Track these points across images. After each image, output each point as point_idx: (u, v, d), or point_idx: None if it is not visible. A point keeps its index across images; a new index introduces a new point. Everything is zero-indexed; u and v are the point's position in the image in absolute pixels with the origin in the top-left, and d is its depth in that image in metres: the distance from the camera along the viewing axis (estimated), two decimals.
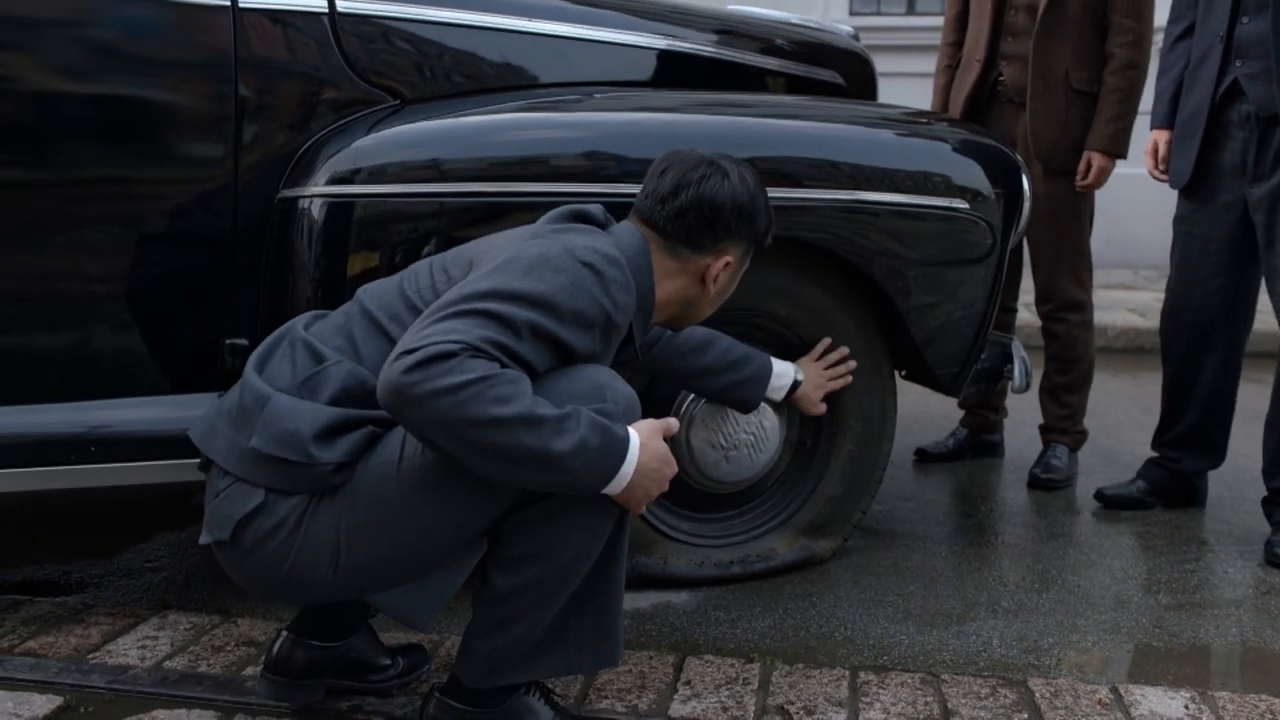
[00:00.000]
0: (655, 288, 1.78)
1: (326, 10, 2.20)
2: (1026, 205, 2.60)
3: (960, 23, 3.41)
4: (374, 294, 1.75)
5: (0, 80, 2.00)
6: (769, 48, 2.88)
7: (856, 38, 3.29)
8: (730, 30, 2.83)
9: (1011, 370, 2.80)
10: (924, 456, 3.49)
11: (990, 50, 3.23)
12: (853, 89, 3.05)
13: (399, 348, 1.48)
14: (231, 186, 2.15)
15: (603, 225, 1.80)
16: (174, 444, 2.05)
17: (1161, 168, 2.98)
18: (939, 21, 7.23)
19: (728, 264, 1.82)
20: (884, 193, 2.38)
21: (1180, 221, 2.95)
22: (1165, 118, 2.96)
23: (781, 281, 2.41)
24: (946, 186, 2.45)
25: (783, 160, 2.33)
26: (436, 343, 1.45)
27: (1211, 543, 2.82)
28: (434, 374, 1.42)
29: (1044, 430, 3.33)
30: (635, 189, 1.86)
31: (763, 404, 2.39)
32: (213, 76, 2.11)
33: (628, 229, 1.79)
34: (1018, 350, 2.80)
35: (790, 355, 2.45)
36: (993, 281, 2.56)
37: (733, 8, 3.09)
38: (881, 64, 7.25)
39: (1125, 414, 4.11)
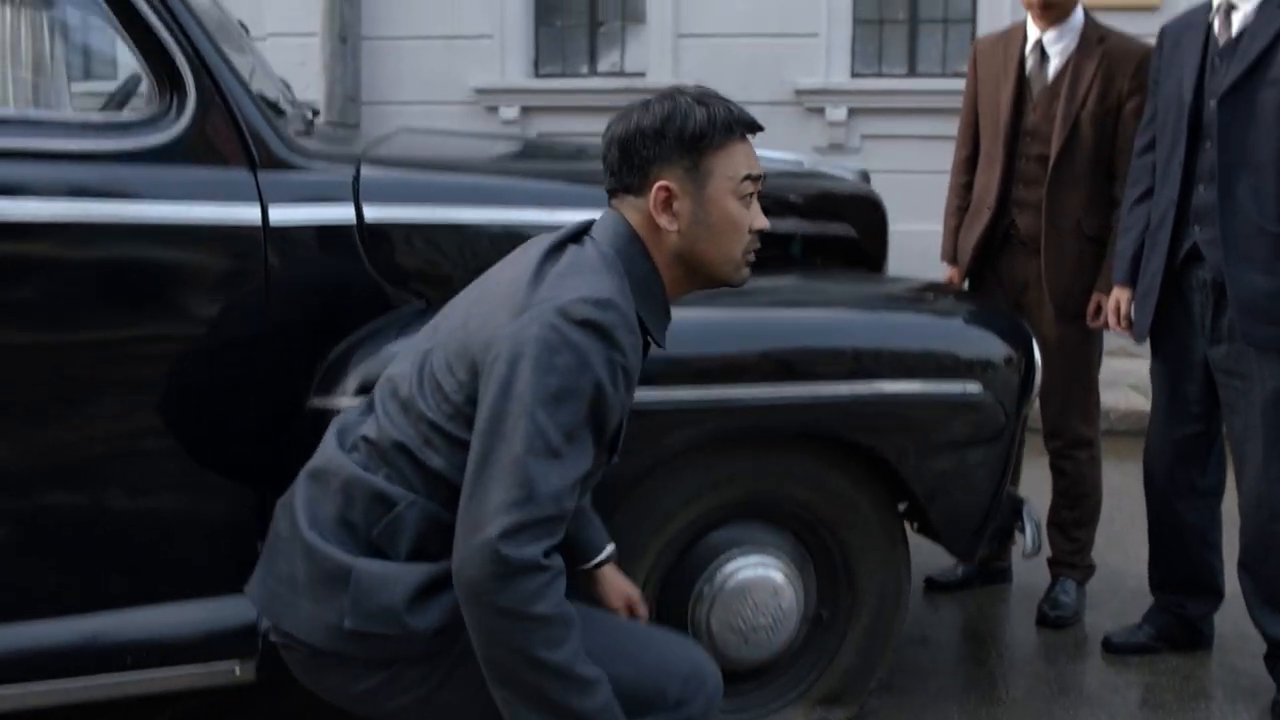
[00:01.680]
0: (658, 261, 1.71)
1: (354, 222, 2.24)
2: (1038, 377, 2.65)
3: (970, 165, 3.44)
4: (386, 397, 1.77)
5: (43, 304, 2.04)
6: (781, 207, 2.92)
7: (866, 177, 3.33)
8: None
9: (1023, 529, 2.85)
10: (932, 585, 3.53)
11: (1002, 197, 3.27)
12: (864, 237, 3.09)
13: (490, 526, 1.50)
14: (262, 396, 2.19)
15: (585, 234, 1.73)
16: (201, 647, 2.11)
17: (1124, 324, 3.03)
18: (940, 84, 7.36)
19: (664, 190, 1.66)
20: (895, 382, 2.42)
21: (1152, 373, 3.02)
22: (1126, 275, 3.01)
23: (798, 467, 2.45)
24: (958, 370, 2.50)
25: (791, 352, 2.36)
26: (526, 554, 1.49)
27: (1219, 698, 2.87)
28: (513, 591, 1.49)
29: (1052, 564, 3.38)
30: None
31: (780, 585, 2.43)
32: (244, 293, 2.15)
33: (608, 219, 1.72)
34: (1030, 515, 2.84)
35: (812, 538, 2.50)
36: (1006, 457, 2.61)
37: None
38: (882, 126, 7.40)
39: (1131, 517, 4.15)
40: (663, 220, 1.67)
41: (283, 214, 2.16)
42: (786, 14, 7.36)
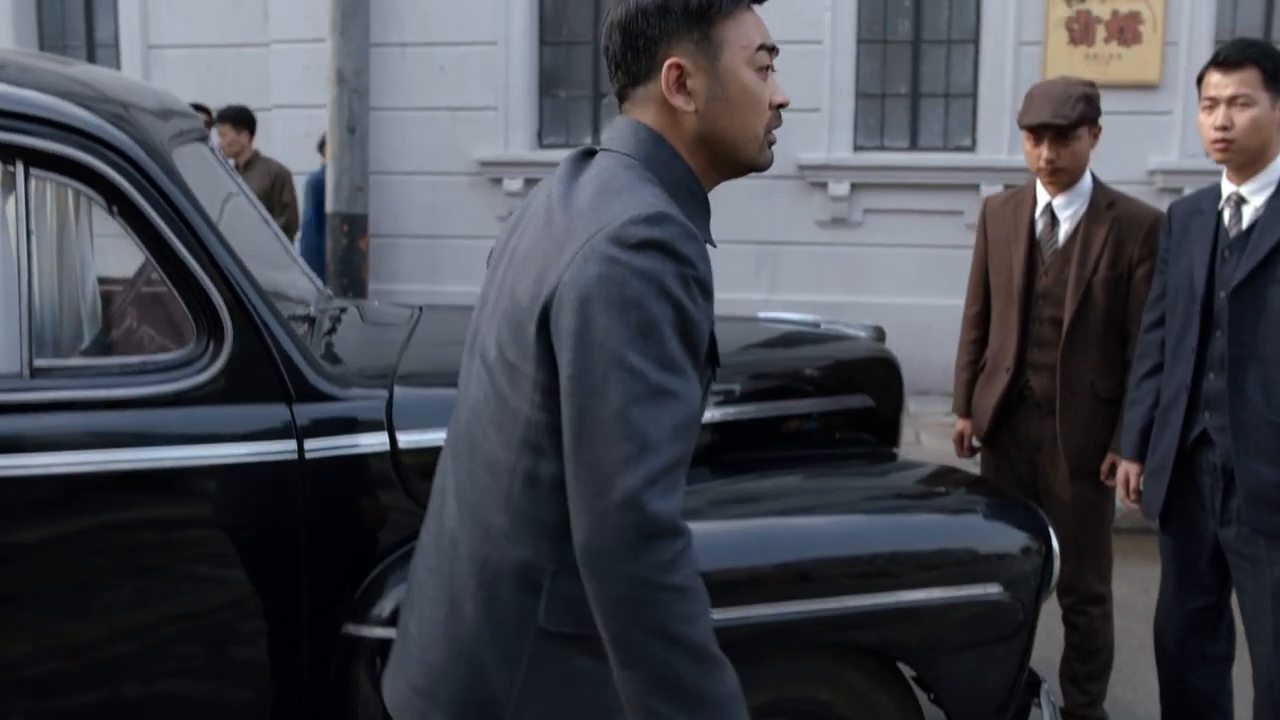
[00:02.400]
0: (684, 154, 1.56)
1: (388, 449, 2.27)
2: (1057, 566, 2.69)
3: (980, 320, 3.47)
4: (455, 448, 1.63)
5: (78, 552, 2.08)
6: (798, 381, 2.96)
7: (881, 335, 3.37)
8: (761, 372, 2.91)
9: (1040, 706, 2.88)
10: None
11: (1018, 360, 3.30)
12: (880, 403, 3.13)
13: (616, 489, 1.35)
14: (298, 623, 2.23)
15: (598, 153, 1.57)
16: None
17: (1133, 497, 3.07)
18: (942, 159, 7.43)
19: (675, 67, 1.51)
20: (914, 591, 2.45)
21: (1161, 546, 3.05)
22: (1135, 450, 3.04)
23: (818, 670, 2.49)
24: (978, 571, 2.53)
25: (808, 564, 2.38)
26: (659, 506, 1.35)
27: None
28: (651, 558, 1.35)
29: (1065, 715, 3.41)
30: None
31: None
32: (278, 524, 2.19)
33: (621, 127, 1.56)
34: (1048, 697, 2.87)
35: None
36: (1024, 648, 2.64)
37: (762, 315, 3.18)
38: (884, 200, 7.45)
39: (1140, 641, 4.19)
40: (678, 101, 1.52)
41: (318, 446, 2.20)
42: (789, 88, 7.31)
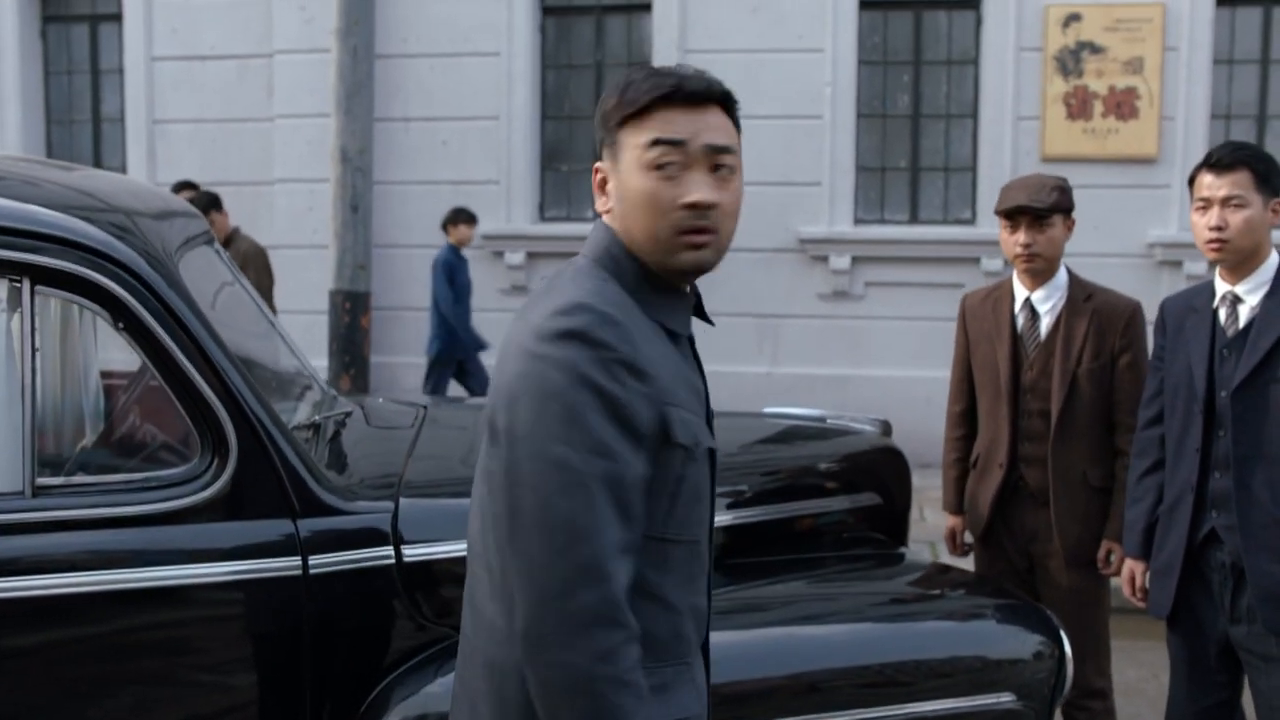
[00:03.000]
0: (636, 254, 1.56)
1: (394, 562, 2.25)
2: (1069, 671, 2.65)
3: (965, 418, 3.45)
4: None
5: (89, 659, 2.05)
6: (805, 480, 2.94)
7: (888, 429, 3.36)
8: (770, 471, 2.89)
9: None
10: None
11: (1011, 455, 3.29)
12: (887, 497, 3.11)
13: (545, 581, 1.37)
14: None
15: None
16: None
17: (1139, 595, 3.04)
18: (942, 232, 7.46)
19: (596, 171, 1.59)
20: (922, 701, 2.40)
21: (1169, 644, 3.01)
22: (1139, 548, 3.00)
23: None
24: (989, 677, 2.49)
25: (817, 675, 2.35)
26: (589, 596, 1.36)
27: None
28: (582, 647, 1.36)
29: None
30: None
31: None
32: (282, 638, 2.16)
33: (593, 231, 1.60)
34: None
35: None
36: None
37: (768, 410, 3.17)
38: (885, 274, 7.48)
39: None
40: (599, 203, 1.58)
41: (323, 561, 2.17)
42: (790, 163, 7.47)
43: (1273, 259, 2.78)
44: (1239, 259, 2.76)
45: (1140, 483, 3.00)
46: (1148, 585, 3.00)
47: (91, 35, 8.58)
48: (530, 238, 7.70)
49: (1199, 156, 3.00)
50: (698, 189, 1.50)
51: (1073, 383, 3.18)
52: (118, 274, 2.06)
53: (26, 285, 2.03)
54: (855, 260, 7.51)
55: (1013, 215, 3.17)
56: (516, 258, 7.69)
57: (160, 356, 2.08)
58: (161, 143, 8.25)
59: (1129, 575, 3.04)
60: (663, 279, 1.55)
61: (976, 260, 7.38)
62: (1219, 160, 2.77)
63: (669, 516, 1.50)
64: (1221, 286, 2.83)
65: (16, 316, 2.05)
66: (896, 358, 7.41)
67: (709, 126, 1.52)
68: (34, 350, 2.04)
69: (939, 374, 7.30)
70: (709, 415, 1.62)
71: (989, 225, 7.46)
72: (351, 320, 6.32)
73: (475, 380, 7.33)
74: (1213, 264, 2.86)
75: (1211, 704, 2.94)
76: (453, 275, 7.09)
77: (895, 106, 7.65)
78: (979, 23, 7.50)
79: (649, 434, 1.45)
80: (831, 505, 2.95)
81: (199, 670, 2.12)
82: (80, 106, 8.68)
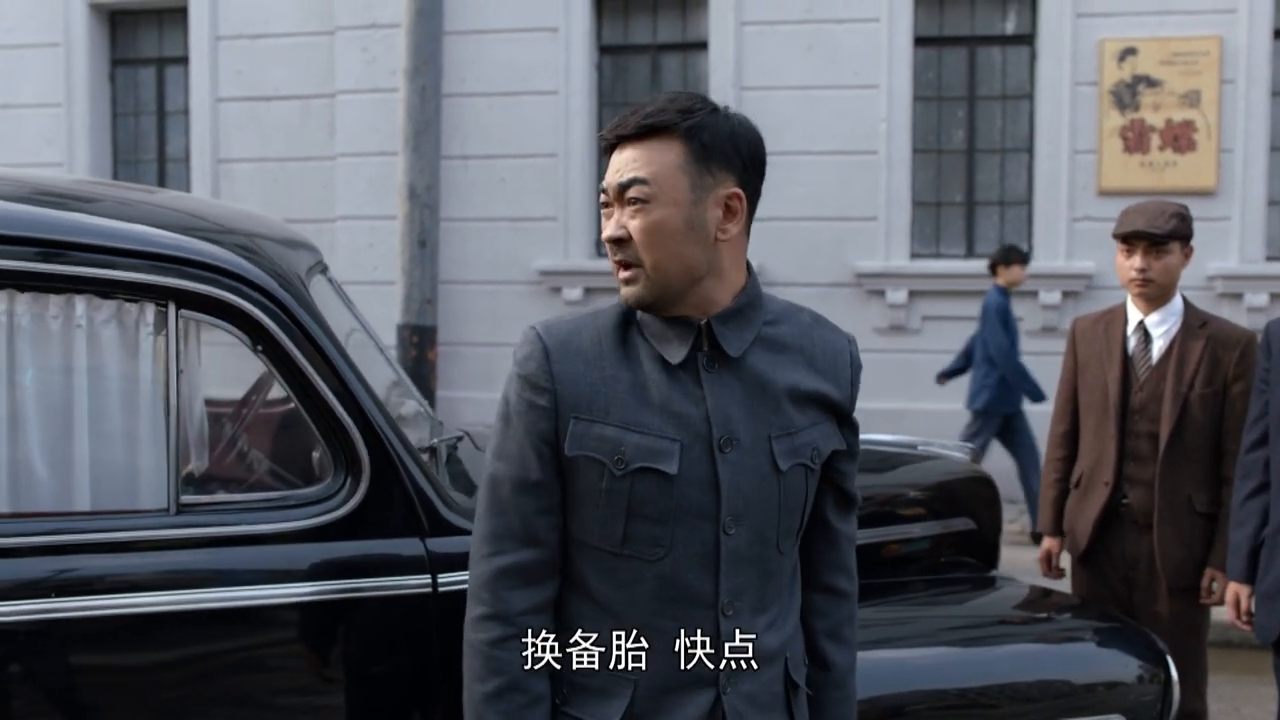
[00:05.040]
0: None
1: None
2: (1176, 694, 2.65)
3: (1068, 439, 3.47)
4: None
5: (225, 675, 2.10)
6: (902, 505, 2.97)
7: (977, 457, 3.38)
8: (869, 496, 2.91)
9: None
10: None
11: (1117, 474, 3.30)
12: (980, 523, 3.12)
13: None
14: None
15: None
16: None
17: (1245, 619, 3.03)
18: None
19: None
20: None
21: (1276, 669, 3.00)
22: (1244, 572, 3.00)
23: None
24: (1097, 699, 2.50)
25: (901, 698, 2.36)
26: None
27: None
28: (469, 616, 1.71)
29: None
30: None
31: None
32: (414, 656, 2.18)
33: None
34: None
35: None
36: None
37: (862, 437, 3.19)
38: (942, 308, 7.48)
39: None
40: None
41: (451, 579, 2.21)
42: (846, 198, 7.52)
43: None
44: None
45: (1244, 505, 3.00)
46: (1253, 609, 2.99)
47: (158, 77, 8.78)
48: (587, 273, 7.78)
49: (1259, 188, 3.03)
50: (605, 228, 1.64)
51: (1184, 406, 3.18)
52: (256, 297, 2.12)
53: (172, 309, 2.10)
54: (912, 294, 7.53)
55: (1130, 240, 3.20)
56: (574, 293, 7.77)
57: (297, 378, 2.14)
58: (225, 181, 8.41)
59: (1234, 599, 3.04)
60: (649, 313, 1.64)
61: (1035, 294, 7.38)
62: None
63: (606, 529, 1.62)
64: None
65: (160, 339, 2.11)
66: (953, 392, 7.41)
67: (616, 166, 1.60)
68: (178, 372, 2.10)
69: None
70: (715, 443, 1.61)
71: (1045, 259, 7.48)
72: (419, 354, 6.40)
73: (1019, 441, 6.76)
74: None
75: None
76: (1005, 319, 6.69)
77: (950, 142, 7.69)
78: (1033, 58, 7.56)
79: (548, 444, 1.63)
80: (928, 530, 2.97)
81: (334, 684, 2.16)
82: (146, 146, 8.87)
